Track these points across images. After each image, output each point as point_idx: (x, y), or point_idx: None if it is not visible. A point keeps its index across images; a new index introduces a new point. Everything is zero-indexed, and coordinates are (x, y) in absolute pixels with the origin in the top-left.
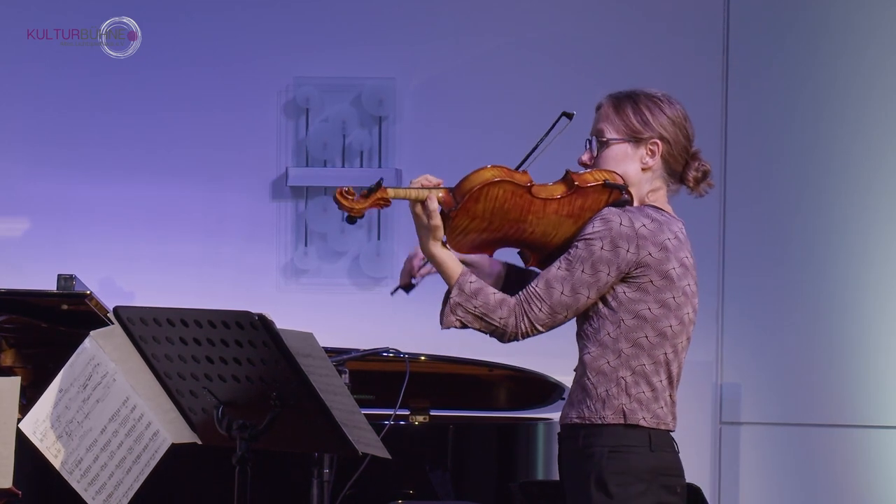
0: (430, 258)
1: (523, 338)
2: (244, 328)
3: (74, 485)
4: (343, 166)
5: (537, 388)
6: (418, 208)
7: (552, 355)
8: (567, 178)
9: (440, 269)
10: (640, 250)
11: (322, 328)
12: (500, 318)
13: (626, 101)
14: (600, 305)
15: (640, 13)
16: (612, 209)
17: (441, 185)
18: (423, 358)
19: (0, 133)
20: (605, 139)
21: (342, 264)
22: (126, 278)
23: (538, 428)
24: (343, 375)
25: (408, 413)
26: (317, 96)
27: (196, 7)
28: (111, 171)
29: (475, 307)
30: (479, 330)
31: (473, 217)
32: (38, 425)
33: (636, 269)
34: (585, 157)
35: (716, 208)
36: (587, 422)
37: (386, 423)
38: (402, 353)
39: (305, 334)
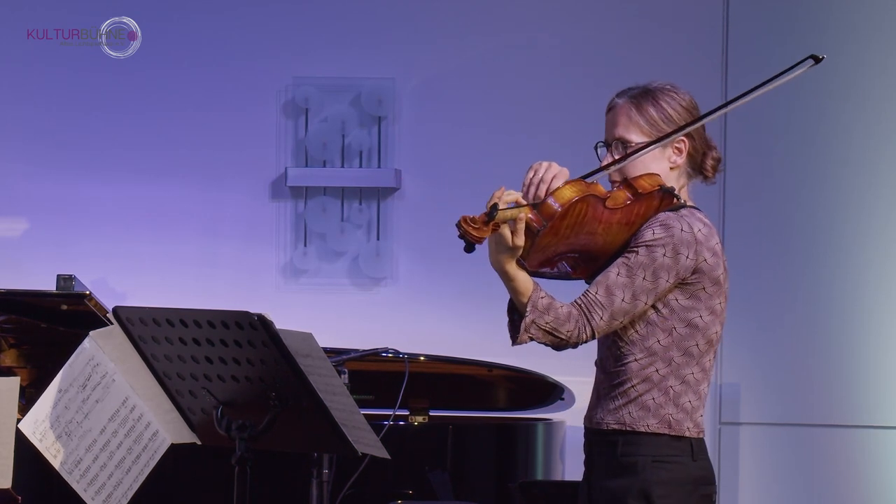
0: (503, 274)
1: (578, 346)
2: (243, 328)
3: (74, 485)
4: (342, 166)
5: (537, 389)
6: (505, 228)
7: (551, 355)
8: (629, 186)
9: (512, 286)
10: (697, 256)
11: (321, 328)
12: (567, 332)
13: (645, 101)
14: (650, 312)
15: (641, 13)
16: (669, 214)
17: (520, 201)
18: (422, 358)
19: (0, 133)
20: (633, 144)
21: (341, 264)
22: (125, 278)
23: (537, 428)
24: (342, 375)
25: (407, 413)
26: (316, 96)
27: (196, 7)
28: (111, 171)
29: (546, 323)
30: (543, 343)
31: (556, 234)
32: (38, 425)
33: (692, 275)
34: (607, 162)
35: (715, 207)
36: (628, 429)
37: (385, 423)
38: (401, 353)
39: (305, 334)
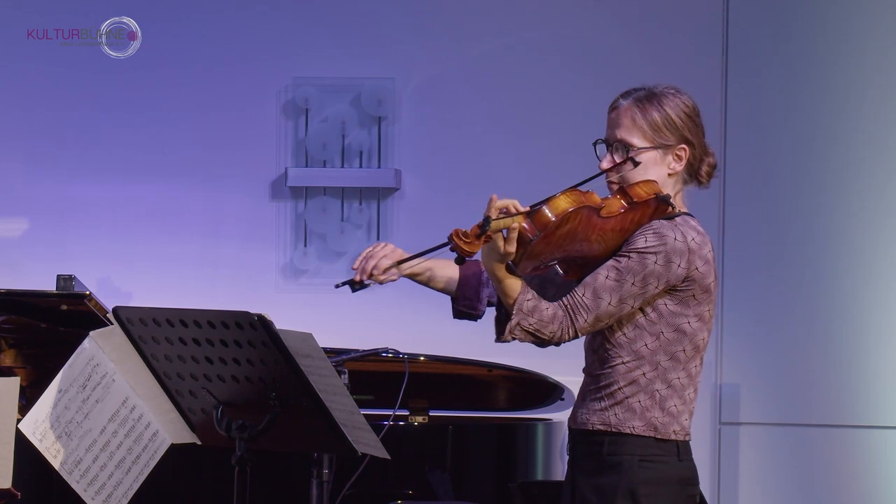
0: (494, 276)
1: (560, 345)
2: (243, 328)
3: (74, 485)
4: (342, 167)
5: (536, 389)
6: (498, 236)
7: (551, 355)
8: (624, 194)
9: (501, 287)
10: (689, 265)
11: (321, 328)
12: (550, 332)
13: (649, 106)
14: (638, 315)
15: (640, 13)
16: (664, 223)
17: (518, 208)
18: (422, 358)
19: (0, 133)
20: (634, 148)
21: (341, 265)
22: (125, 278)
23: (537, 428)
24: (342, 376)
25: (407, 413)
26: (316, 96)
27: (196, 7)
28: (110, 172)
29: (530, 324)
30: (525, 342)
31: (549, 243)
32: (38, 426)
33: (683, 282)
34: (607, 163)
35: (715, 208)
36: (613, 430)
37: (385, 423)
38: (401, 353)
39: (305, 335)
